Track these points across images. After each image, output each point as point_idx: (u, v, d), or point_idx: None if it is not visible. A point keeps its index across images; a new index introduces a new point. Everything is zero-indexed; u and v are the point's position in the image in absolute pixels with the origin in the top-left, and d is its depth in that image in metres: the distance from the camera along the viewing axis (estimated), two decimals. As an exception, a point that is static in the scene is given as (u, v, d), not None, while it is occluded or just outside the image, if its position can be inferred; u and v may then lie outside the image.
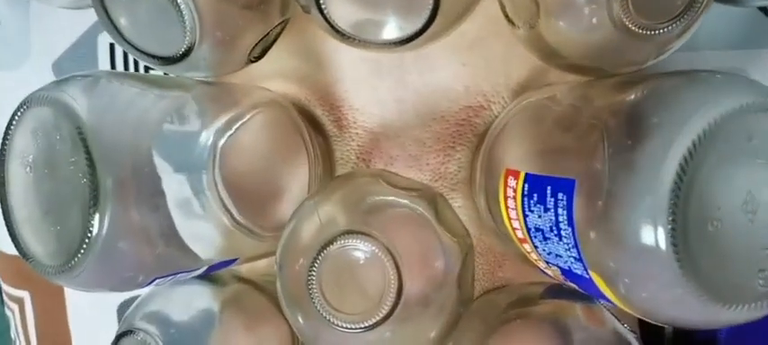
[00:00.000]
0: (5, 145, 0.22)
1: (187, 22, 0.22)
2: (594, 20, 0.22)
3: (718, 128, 0.17)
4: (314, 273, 0.22)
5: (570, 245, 0.21)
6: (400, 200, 0.23)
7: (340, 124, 0.31)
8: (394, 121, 0.30)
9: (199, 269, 0.26)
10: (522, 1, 0.23)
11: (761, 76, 0.34)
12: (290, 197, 0.30)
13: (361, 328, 0.22)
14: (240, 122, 0.27)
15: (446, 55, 0.29)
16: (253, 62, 0.27)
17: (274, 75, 0.32)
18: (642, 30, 0.21)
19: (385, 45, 0.22)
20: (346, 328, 0.22)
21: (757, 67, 0.35)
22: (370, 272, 0.22)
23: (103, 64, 0.41)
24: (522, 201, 0.23)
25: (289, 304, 0.25)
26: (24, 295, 0.45)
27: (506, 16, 0.25)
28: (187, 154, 0.24)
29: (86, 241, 0.20)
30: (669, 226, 0.17)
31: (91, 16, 0.38)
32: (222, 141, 0.26)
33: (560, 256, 0.22)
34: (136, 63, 0.40)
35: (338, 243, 0.22)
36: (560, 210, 0.21)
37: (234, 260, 0.28)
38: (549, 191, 0.21)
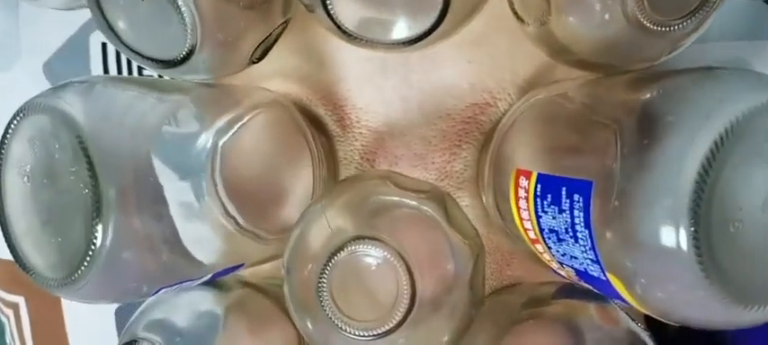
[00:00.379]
0: (1, 154, 0.21)
1: (188, 25, 0.22)
2: (607, 16, 0.21)
3: (738, 126, 0.17)
4: (324, 280, 0.21)
5: (587, 247, 0.20)
6: (410, 202, 0.23)
7: (343, 124, 0.31)
8: (398, 120, 0.30)
9: (204, 276, 0.25)
10: (533, 0, 0.22)
11: (764, 67, 0.34)
12: (294, 199, 0.29)
13: (373, 335, 0.21)
14: (240, 123, 0.26)
15: (451, 52, 0.29)
16: (254, 63, 0.26)
17: (275, 75, 0.31)
18: (657, 26, 0.21)
19: (393, 45, 0.21)
20: (358, 336, 0.21)
21: (761, 59, 0.34)
22: (382, 278, 0.21)
23: (95, 64, 0.40)
24: (535, 202, 0.22)
25: (297, 309, 0.24)
26: (19, 300, 0.45)
27: (514, 13, 0.25)
28: (187, 158, 0.24)
29: (90, 252, 0.20)
30: (691, 229, 0.17)
31: (82, 16, 0.37)
32: (221, 143, 0.25)
33: (576, 258, 0.21)
34: (129, 63, 0.40)
35: (349, 248, 0.21)
36: (576, 212, 0.20)
37: (239, 266, 0.27)
38: (564, 193, 0.21)
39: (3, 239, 0.21)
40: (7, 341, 0.46)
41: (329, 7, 0.21)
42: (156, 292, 0.23)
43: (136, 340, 0.26)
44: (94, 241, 0.20)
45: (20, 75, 0.41)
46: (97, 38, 0.39)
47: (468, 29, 0.25)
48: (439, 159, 0.30)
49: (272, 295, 0.30)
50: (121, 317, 0.41)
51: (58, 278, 0.20)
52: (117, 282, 0.21)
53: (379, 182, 0.24)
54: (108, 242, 0.20)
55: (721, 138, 0.17)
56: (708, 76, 0.19)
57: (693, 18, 0.21)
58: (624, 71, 0.25)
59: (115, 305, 0.40)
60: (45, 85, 0.40)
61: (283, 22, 0.26)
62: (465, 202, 0.30)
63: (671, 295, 0.19)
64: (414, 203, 0.23)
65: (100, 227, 0.20)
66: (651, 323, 0.31)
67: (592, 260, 0.20)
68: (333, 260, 0.21)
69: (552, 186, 0.21)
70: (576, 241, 0.21)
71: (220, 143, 0.25)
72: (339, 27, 0.21)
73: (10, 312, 0.45)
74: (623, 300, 0.21)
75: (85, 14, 0.37)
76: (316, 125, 0.31)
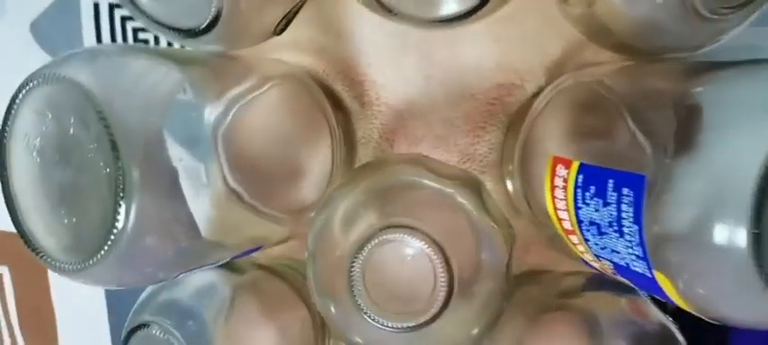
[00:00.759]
0: (6, 127, 0.20)
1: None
2: (660, 1, 0.20)
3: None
4: (356, 269, 0.20)
5: (634, 243, 0.20)
6: (445, 190, 0.22)
7: (362, 101, 0.29)
8: (420, 99, 0.28)
9: (220, 261, 0.24)
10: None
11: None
12: (311, 177, 0.28)
13: (407, 328, 0.20)
14: (251, 96, 0.25)
15: (478, 29, 0.27)
16: (277, 35, 0.25)
17: (289, 46, 0.29)
18: (713, 14, 0.20)
19: (437, 22, 0.20)
20: (392, 328, 0.20)
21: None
22: (417, 268, 0.20)
23: (87, 24, 0.38)
24: (575, 193, 0.22)
25: (321, 294, 0.23)
26: (3, 270, 0.43)
27: (558, -8, 0.23)
28: (199, 133, 0.22)
29: (112, 236, 0.18)
30: (753, 231, 0.16)
31: (73, -28, 0.35)
32: (229, 117, 0.23)
33: (618, 252, 0.21)
34: (123, 23, 0.37)
35: (383, 237, 0.20)
36: (625, 207, 0.19)
37: (256, 249, 0.26)
38: (611, 185, 0.20)
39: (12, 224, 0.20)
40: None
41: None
42: (174, 277, 0.22)
43: (146, 324, 0.24)
44: (117, 223, 0.18)
45: (4, 36, 0.38)
46: (89, -5, 0.37)
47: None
48: (462, 141, 0.29)
49: (284, 276, 0.29)
50: (110, 285, 0.39)
51: (75, 262, 0.19)
52: (135, 267, 0.20)
53: (410, 167, 0.23)
54: (130, 225, 0.18)
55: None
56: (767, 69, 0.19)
57: (748, 7, 0.20)
58: (661, 58, 0.24)
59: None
60: (32, 46, 0.38)
61: (310, -9, 0.24)
62: (488, 186, 0.29)
63: (724, 296, 0.18)
64: (450, 191, 0.22)
65: (123, 209, 0.18)
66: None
67: (638, 256, 0.20)
68: (365, 249, 0.20)
69: (597, 177, 0.21)
70: (622, 236, 0.20)
71: (233, 116, 0.23)
72: (379, 1, 0.20)
73: (-7, 281, 0.43)
74: (666, 297, 0.20)
75: (77, -29, 0.35)
76: (332, 101, 0.29)
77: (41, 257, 0.19)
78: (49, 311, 0.43)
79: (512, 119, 0.28)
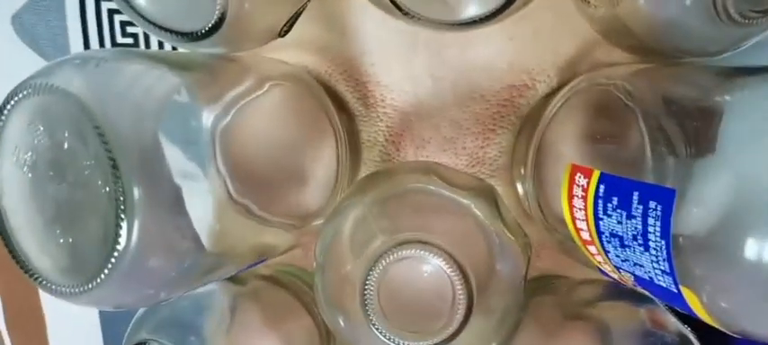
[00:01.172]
0: (-6, 138, 0.18)
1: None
2: (690, 4, 0.19)
3: None
4: (370, 287, 0.19)
5: (660, 258, 0.19)
6: (460, 200, 0.21)
7: (366, 102, 0.28)
8: (428, 100, 0.27)
9: (226, 275, 0.23)
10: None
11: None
12: (315, 182, 0.27)
13: (424, 346, 0.20)
14: (250, 97, 0.24)
15: (492, 27, 0.26)
16: (281, 37, 0.23)
17: (291, 45, 0.28)
18: (743, 18, 0.19)
19: (457, 26, 0.19)
20: (407, 346, 0.20)
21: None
22: (433, 284, 0.20)
23: (72, 17, 0.36)
24: (595, 203, 0.21)
25: (329, 306, 0.22)
26: (-10, 275, 0.41)
27: (580, -7, 0.22)
28: (199, 140, 0.21)
29: (114, 256, 0.17)
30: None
31: (57, -37, 0.33)
32: (226, 121, 0.22)
33: (641, 266, 0.20)
34: (110, 16, 0.36)
35: (398, 253, 0.19)
36: (652, 221, 0.19)
37: (260, 262, 0.25)
38: (636, 198, 0.19)
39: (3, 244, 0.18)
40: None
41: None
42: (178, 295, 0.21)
43: (145, 342, 0.23)
44: (118, 243, 0.17)
45: (-17, 28, 0.36)
46: (74, -13, 0.35)
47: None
48: (471, 144, 0.28)
49: (287, 285, 0.28)
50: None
51: (74, 285, 0.18)
52: (138, 288, 0.19)
53: (422, 176, 0.22)
54: (132, 244, 0.17)
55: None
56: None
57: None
58: (678, 61, 0.24)
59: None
60: (14, 40, 0.36)
61: (317, -9, 0.23)
62: (498, 191, 0.28)
63: (754, 312, 0.18)
64: (464, 201, 0.21)
65: (125, 228, 0.17)
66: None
67: (663, 271, 0.19)
68: (380, 265, 0.19)
69: (620, 189, 0.20)
70: (647, 250, 0.19)
71: (231, 117, 0.22)
72: (395, 2, 0.19)
73: (-22, 289, 0.42)
74: (691, 311, 0.19)
75: (61, -40, 0.33)
76: (336, 102, 0.28)
77: (36, 279, 0.18)
78: (38, 311, 0.41)
79: (523, 121, 0.27)
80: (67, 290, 0.18)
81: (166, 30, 0.19)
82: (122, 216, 0.17)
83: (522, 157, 0.26)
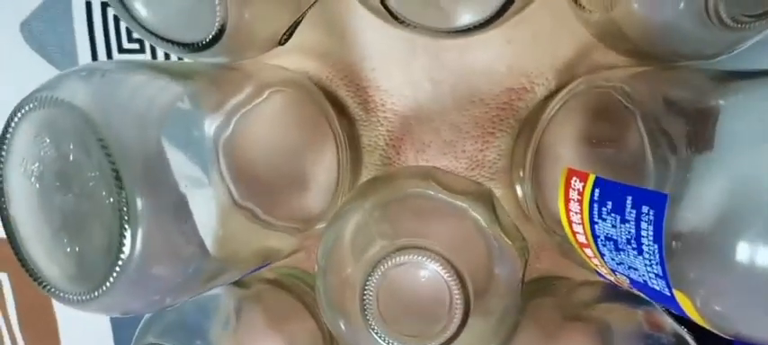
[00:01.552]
0: (2, 152, 0.19)
1: (218, 5, 0.19)
2: (683, 8, 0.20)
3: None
4: (369, 292, 0.20)
5: (654, 262, 0.19)
6: (458, 205, 0.21)
7: (366, 107, 0.28)
8: (427, 104, 0.28)
9: (231, 280, 0.23)
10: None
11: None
12: (317, 186, 0.27)
13: (422, 350, 0.20)
14: (252, 104, 0.24)
15: (489, 31, 0.27)
16: (281, 45, 0.24)
17: (292, 51, 0.28)
18: (737, 23, 0.19)
19: (452, 33, 0.19)
20: (406, 350, 0.20)
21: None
22: (431, 289, 0.20)
23: (79, 24, 0.37)
24: (591, 207, 0.21)
25: (330, 309, 0.23)
26: (2, 276, 0.42)
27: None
28: (205, 148, 0.22)
29: (119, 264, 0.17)
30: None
31: (64, -29, 0.34)
32: (230, 128, 0.23)
33: (636, 269, 0.20)
34: (116, 23, 0.36)
35: (396, 259, 0.19)
36: (645, 225, 0.19)
37: (264, 265, 0.25)
38: (629, 202, 0.19)
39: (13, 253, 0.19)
40: (-13, 315, 0.44)
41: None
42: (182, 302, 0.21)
43: None
44: (123, 251, 0.17)
45: (-7, 36, 0.37)
46: (80, -6, 0.36)
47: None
48: (470, 147, 0.28)
49: (290, 288, 0.29)
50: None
51: (81, 293, 0.18)
52: (143, 295, 0.19)
53: (421, 181, 0.22)
54: (137, 252, 0.18)
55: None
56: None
57: (773, 17, 0.19)
58: (675, 65, 0.24)
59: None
60: (23, 47, 0.37)
61: (315, 2, 0.23)
62: (497, 193, 0.29)
63: (746, 317, 0.18)
64: (462, 206, 0.21)
65: (129, 236, 0.17)
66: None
67: (657, 275, 0.19)
68: (378, 271, 0.20)
69: (615, 193, 0.20)
70: (640, 253, 0.20)
71: (232, 125, 0.23)
72: (390, 11, 0.19)
73: (-8, 287, 0.43)
74: (684, 314, 0.20)
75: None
76: (337, 107, 0.29)
77: (45, 287, 0.19)
78: (50, 315, 0.42)
79: (521, 124, 0.28)
80: (75, 298, 0.18)
81: (168, 41, 0.20)
82: (126, 226, 0.17)
83: (520, 160, 0.27)
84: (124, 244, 0.17)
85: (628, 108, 0.22)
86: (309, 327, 0.28)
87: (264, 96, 0.25)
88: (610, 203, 0.20)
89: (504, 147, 0.28)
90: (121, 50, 0.36)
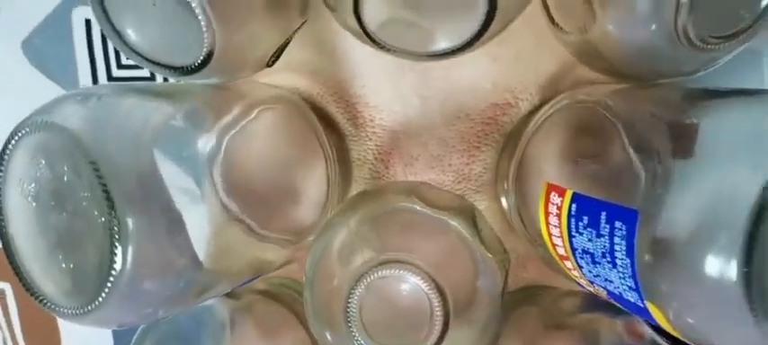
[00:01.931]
0: (0, 172, 0.20)
1: (205, 31, 0.20)
2: (655, 30, 0.20)
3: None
4: (353, 304, 0.21)
5: (626, 275, 0.20)
6: (440, 220, 0.22)
7: (356, 122, 0.29)
8: (415, 120, 0.28)
9: (223, 292, 0.24)
10: (576, 9, 0.21)
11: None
12: (308, 200, 0.28)
13: (405, 361, 0.21)
14: (244, 121, 0.25)
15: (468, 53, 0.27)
16: (269, 66, 0.25)
17: (282, 69, 0.29)
18: (706, 45, 0.20)
19: (430, 56, 0.20)
20: (389, 361, 0.21)
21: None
22: (413, 301, 0.21)
23: (79, 41, 0.38)
24: (569, 221, 0.22)
25: (317, 320, 0.24)
26: (5, 286, 0.43)
27: (551, 19, 0.23)
28: (196, 165, 0.22)
29: (110, 280, 0.18)
30: (744, 269, 0.17)
31: (63, -10, 0.35)
32: (224, 143, 0.24)
33: (611, 281, 0.21)
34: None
35: (379, 273, 0.20)
36: (618, 239, 0.20)
37: (258, 276, 0.26)
38: (603, 217, 0.20)
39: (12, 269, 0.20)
40: (-8, 326, 0.45)
41: (361, 13, 0.19)
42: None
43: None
44: (114, 268, 0.18)
45: (-4, 55, 0.38)
46: (80, 13, 0.37)
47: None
48: (457, 161, 0.29)
49: (281, 298, 0.29)
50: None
51: (76, 307, 0.19)
52: (135, 309, 0.20)
53: (405, 197, 0.23)
54: (127, 268, 0.19)
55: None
56: (763, 101, 0.19)
57: (742, 37, 0.20)
58: (655, 83, 0.24)
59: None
60: (25, 64, 0.38)
61: (302, 23, 0.24)
62: (483, 206, 0.29)
63: (716, 329, 0.18)
64: (444, 221, 0.22)
65: (119, 254, 0.18)
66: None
67: (630, 287, 0.20)
68: (361, 285, 0.20)
69: (590, 209, 0.21)
70: (615, 267, 0.20)
71: (225, 143, 0.23)
72: (368, 35, 0.20)
73: (-4, 298, 0.44)
74: (658, 326, 0.20)
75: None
76: (327, 123, 0.29)
77: (42, 301, 0.20)
78: (53, 326, 0.43)
79: (506, 138, 0.28)
80: (70, 312, 0.19)
81: (158, 64, 0.21)
82: (117, 244, 0.18)
83: (505, 173, 0.27)
84: (115, 262, 0.18)
85: (607, 123, 0.22)
86: (300, 336, 0.28)
87: (255, 113, 0.26)
88: (586, 218, 0.21)
89: (489, 161, 0.29)
90: (121, 67, 0.37)
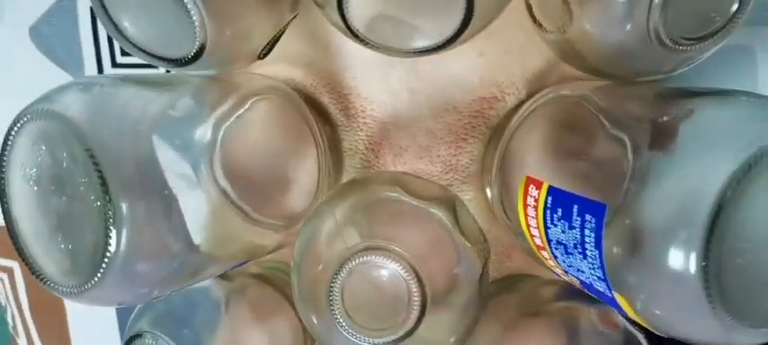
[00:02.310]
0: (3, 157, 0.21)
1: (197, 24, 0.21)
2: (629, 31, 0.21)
3: (759, 160, 0.17)
4: (335, 288, 0.22)
5: (595, 266, 0.21)
6: (421, 210, 0.23)
7: (348, 113, 0.30)
8: (405, 111, 0.29)
9: (217, 273, 0.25)
10: (555, 9, 0.22)
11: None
12: (300, 187, 0.29)
13: (383, 343, 0.22)
14: (239, 111, 0.26)
15: (462, 44, 0.28)
16: (261, 59, 0.26)
17: (277, 61, 0.30)
18: (679, 46, 0.20)
19: (412, 53, 0.21)
20: (369, 343, 0.22)
21: (764, 45, 0.34)
22: (392, 287, 0.22)
23: (84, 28, 0.39)
24: (545, 213, 0.23)
25: (303, 303, 0.25)
26: (13, 265, 0.45)
27: (533, 18, 0.24)
28: (191, 153, 0.23)
29: (105, 261, 0.19)
30: (702, 263, 0.17)
31: (69, -22, 0.36)
32: (221, 132, 0.25)
33: (582, 271, 0.22)
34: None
35: (360, 259, 0.21)
36: (588, 232, 0.21)
37: (248, 261, 0.27)
38: (575, 210, 0.21)
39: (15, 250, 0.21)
40: (2, 301, 0.46)
41: (345, 11, 0.20)
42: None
43: (140, 335, 0.26)
44: (108, 250, 0.19)
45: (4, 40, 0.39)
46: (86, 1, 0.38)
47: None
48: (444, 152, 0.30)
49: (273, 282, 0.31)
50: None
51: (73, 286, 0.20)
52: (131, 288, 0.21)
53: (389, 188, 0.24)
54: (121, 250, 0.20)
55: (743, 173, 0.17)
56: (731, 103, 0.19)
57: (714, 39, 0.21)
58: (634, 80, 0.25)
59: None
60: (32, 51, 0.39)
61: (293, 17, 0.25)
62: (469, 196, 0.30)
63: (677, 319, 0.19)
64: (426, 210, 0.23)
65: (114, 236, 0.19)
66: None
67: (599, 277, 0.21)
68: (344, 269, 0.21)
69: (564, 201, 0.22)
70: (585, 258, 0.21)
71: (220, 132, 0.25)
72: (352, 31, 0.21)
73: (5, 275, 0.45)
74: (626, 315, 0.21)
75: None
76: (319, 113, 0.30)
77: (43, 280, 0.21)
78: (59, 302, 0.44)
79: (492, 131, 0.29)
80: (68, 290, 0.20)
81: (155, 56, 0.22)
82: (111, 227, 0.19)
83: (490, 164, 0.28)
84: (110, 244, 0.19)
85: (586, 119, 0.23)
86: (290, 317, 0.30)
87: (249, 104, 0.27)
88: (560, 210, 0.22)
89: (476, 153, 0.30)
90: (124, 53, 0.38)
